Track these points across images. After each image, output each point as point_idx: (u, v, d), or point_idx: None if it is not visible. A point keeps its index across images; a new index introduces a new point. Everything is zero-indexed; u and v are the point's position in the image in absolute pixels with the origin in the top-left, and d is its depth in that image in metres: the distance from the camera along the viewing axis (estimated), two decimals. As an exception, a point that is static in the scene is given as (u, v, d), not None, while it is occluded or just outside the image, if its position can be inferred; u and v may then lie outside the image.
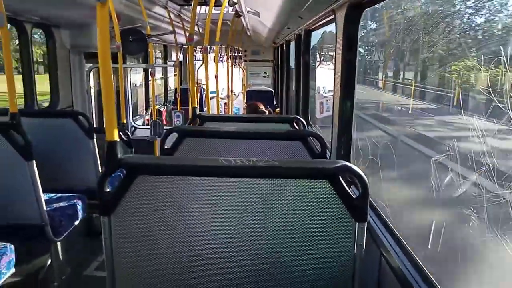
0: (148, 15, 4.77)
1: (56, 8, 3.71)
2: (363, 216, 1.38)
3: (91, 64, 4.94)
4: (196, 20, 7.29)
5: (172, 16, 5.91)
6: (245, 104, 9.87)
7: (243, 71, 10.78)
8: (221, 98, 8.24)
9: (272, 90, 10.58)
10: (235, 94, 9.95)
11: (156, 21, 5.72)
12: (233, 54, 9.82)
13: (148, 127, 5.37)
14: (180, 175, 1.42)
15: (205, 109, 7.58)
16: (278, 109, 9.21)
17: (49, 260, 3.01)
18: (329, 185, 1.37)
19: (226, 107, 9.01)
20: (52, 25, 4.43)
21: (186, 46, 8.42)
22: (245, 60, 11.24)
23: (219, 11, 4.65)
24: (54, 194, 3.08)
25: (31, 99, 4.28)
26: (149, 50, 5.25)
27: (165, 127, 5.20)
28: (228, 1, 4.58)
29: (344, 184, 1.37)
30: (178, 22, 6.36)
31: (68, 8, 3.76)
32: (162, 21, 5.89)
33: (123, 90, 4.74)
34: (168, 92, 9.93)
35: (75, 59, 4.76)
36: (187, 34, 3.79)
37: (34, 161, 2.50)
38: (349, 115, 2.45)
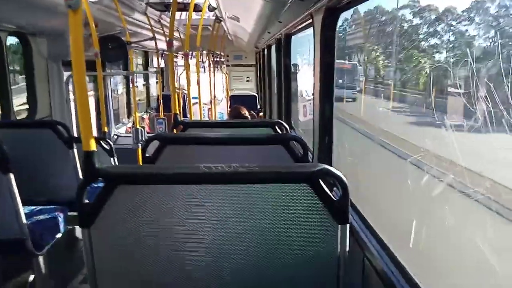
0: (127, 22, 4.73)
1: (31, 16, 3.63)
2: (345, 218, 1.39)
3: (70, 73, 4.85)
4: (176, 26, 7.28)
5: (152, 22, 5.87)
6: (229, 109, 9.86)
7: (225, 76, 10.78)
8: (204, 104, 8.21)
9: (256, 94, 10.61)
10: (218, 100, 9.93)
11: (136, 28, 5.67)
12: (215, 59, 9.81)
13: (131, 135, 5.30)
14: (160, 184, 1.40)
15: (188, 115, 7.54)
16: (262, 113, 9.23)
17: (32, 275, 2.93)
18: (310, 188, 1.37)
19: (209, 113, 8.99)
20: (28, 33, 4.34)
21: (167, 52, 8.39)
22: (227, 65, 11.25)
23: (199, 17, 4.65)
24: (34, 207, 3.00)
25: (7, 110, 4.18)
26: (129, 56, 5.20)
27: (148, 134, 5.15)
28: (208, 7, 4.58)
29: (325, 187, 1.37)
30: (158, 28, 6.32)
31: (44, 16, 3.69)
32: (142, 27, 5.84)
33: (103, 98, 4.67)
34: (150, 99, 9.84)
35: (53, 68, 4.67)
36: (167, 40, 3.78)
37: (11, 174, 2.43)
38: (329, 117, 2.47)
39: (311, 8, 2.48)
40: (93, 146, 1.42)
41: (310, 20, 2.63)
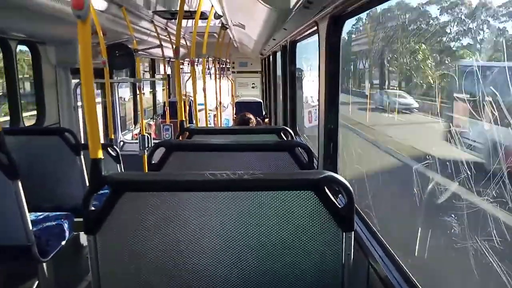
0: (134, 30, 4.78)
1: (40, 25, 3.70)
2: (350, 225, 1.38)
3: (78, 80, 4.91)
4: (183, 33, 7.37)
5: (158, 30, 5.94)
6: (234, 116, 9.93)
7: (231, 82, 10.85)
8: (210, 110, 8.26)
9: (261, 101, 10.65)
10: (224, 106, 9.99)
11: (143, 35, 5.74)
12: (221, 66, 9.89)
13: (137, 141, 5.34)
14: (166, 191, 1.41)
15: (194, 121, 7.58)
16: (267, 119, 9.25)
17: (37, 282, 2.95)
18: (315, 195, 1.37)
19: (215, 119, 9.04)
20: (37, 42, 4.41)
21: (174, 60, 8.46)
22: (233, 72, 11.33)
23: (205, 24, 4.69)
24: (40, 213, 3.02)
25: (16, 117, 4.23)
26: (136, 64, 5.26)
27: (154, 141, 5.18)
28: (214, 14, 4.62)
29: (330, 194, 1.37)
30: (165, 36, 6.39)
31: (53, 25, 3.75)
32: (149, 35, 5.91)
33: (111, 105, 4.71)
34: (157, 106, 9.92)
35: (61, 75, 4.74)
36: (174, 47, 3.82)
37: (19, 181, 2.46)
38: (334, 124, 2.47)
39: (316, 16, 2.50)
40: (100, 154, 1.44)
41: (315, 28, 2.65)
